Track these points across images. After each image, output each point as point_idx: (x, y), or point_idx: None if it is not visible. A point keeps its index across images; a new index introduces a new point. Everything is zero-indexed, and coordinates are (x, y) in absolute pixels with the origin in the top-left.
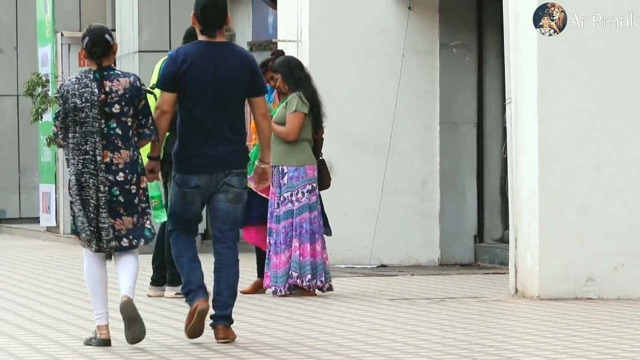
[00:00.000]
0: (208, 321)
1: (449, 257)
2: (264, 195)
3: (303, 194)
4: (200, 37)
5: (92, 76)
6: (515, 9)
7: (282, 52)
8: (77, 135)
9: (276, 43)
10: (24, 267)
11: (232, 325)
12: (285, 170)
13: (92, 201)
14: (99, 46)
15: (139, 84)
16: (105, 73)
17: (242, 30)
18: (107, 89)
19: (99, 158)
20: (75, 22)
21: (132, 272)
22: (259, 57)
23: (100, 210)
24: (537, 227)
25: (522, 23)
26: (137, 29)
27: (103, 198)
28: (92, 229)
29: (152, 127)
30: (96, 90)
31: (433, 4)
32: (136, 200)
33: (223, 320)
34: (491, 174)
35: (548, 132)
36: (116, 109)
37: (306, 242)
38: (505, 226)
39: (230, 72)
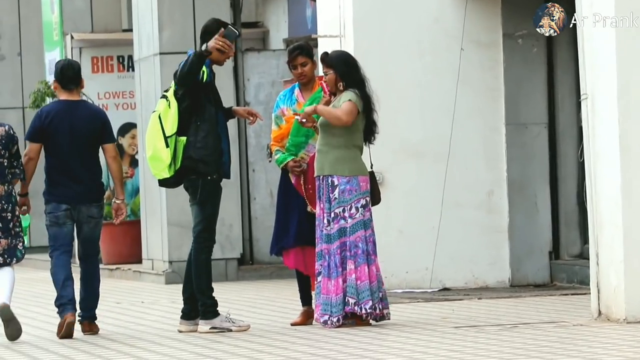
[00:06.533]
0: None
1: (520, 277)
2: (312, 210)
3: (357, 209)
4: (61, 97)
5: None
6: None
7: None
8: None
9: (316, 39)
10: (37, 303)
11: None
12: (336, 182)
13: None
14: None
15: (12, 132)
16: None
17: (277, 27)
18: None
19: None
20: (86, 23)
21: (8, 282)
22: None
23: None
24: (622, 239)
25: (597, 6)
26: (157, 29)
27: None
28: None
29: (21, 168)
30: None
31: None
32: (11, 225)
33: (88, 319)
34: (567, 181)
35: (630, 131)
36: None
37: (363, 264)
38: (585, 240)
39: (84, 124)
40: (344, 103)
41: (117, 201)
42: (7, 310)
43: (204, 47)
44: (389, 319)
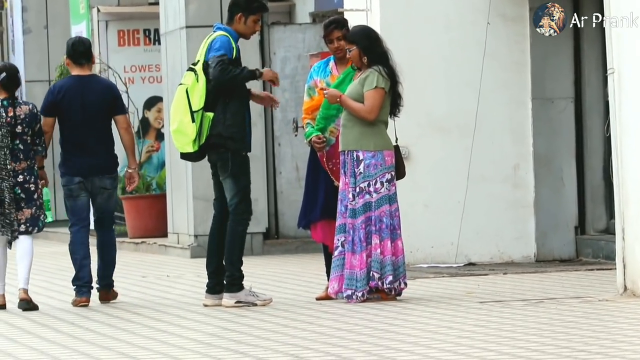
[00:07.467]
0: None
1: (546, 252)
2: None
3: (382, 183)
4: (73, 72)
5: (1, 103)
6: None
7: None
8: None
9: (342, 13)
10: (62, 276)
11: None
12: (362, 157)
13: (6, 200)
14: (14, 81)
15: (35, 111)
16: (14, 101)
17: (303, 0)
18: (12, 113)
19: (8, 167)
20: None
21: (27, 261)
22: None
23: (11, 206)
24: None
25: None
26: (184, 2)
27: (11, 197)
28: (7, 221)
29: (43, 145)
30: (4, 114)
31: None
32: (35, 196)
33: (105, 287)
34: (593, 156)
35: None
36: (19, 129)
37: (387, 239)
38: (611, 215)
39: (96, 98)
40: (370, 92)
41: (129, 170)
42: (28, 303)
43: (258, 73)
44: (400, 295)
